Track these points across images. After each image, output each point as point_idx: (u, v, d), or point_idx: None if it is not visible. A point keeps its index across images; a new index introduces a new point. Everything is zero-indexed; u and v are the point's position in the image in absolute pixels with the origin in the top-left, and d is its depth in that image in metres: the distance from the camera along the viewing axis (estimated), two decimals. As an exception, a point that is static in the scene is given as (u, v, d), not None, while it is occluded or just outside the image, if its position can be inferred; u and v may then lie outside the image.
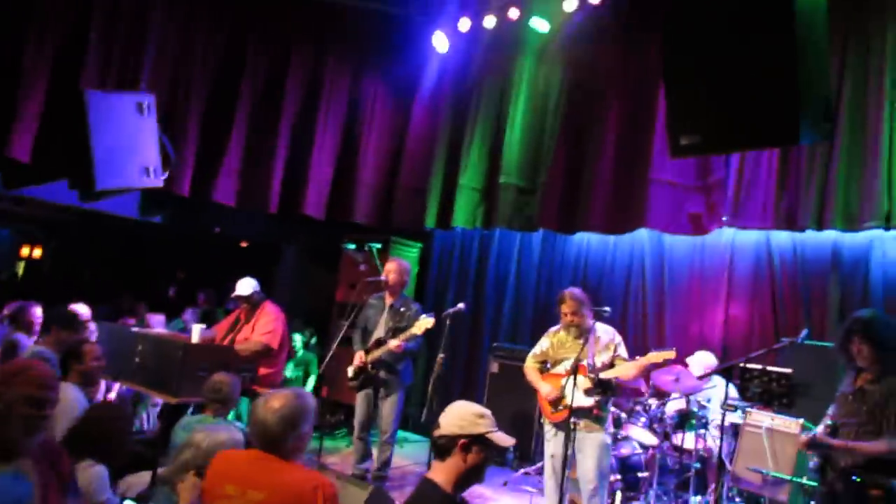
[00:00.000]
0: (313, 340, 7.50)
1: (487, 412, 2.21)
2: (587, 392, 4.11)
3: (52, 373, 2.30)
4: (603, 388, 4.12)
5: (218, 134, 6.30)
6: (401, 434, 6.10)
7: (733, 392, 4.54)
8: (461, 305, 4.90)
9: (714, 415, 4.66)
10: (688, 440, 4.66)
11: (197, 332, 4.83)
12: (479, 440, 2.15)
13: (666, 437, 4.86)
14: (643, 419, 4.98)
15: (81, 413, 3.14)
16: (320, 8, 6.75)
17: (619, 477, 4.84)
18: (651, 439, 4.95)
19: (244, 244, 9.92)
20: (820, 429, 3.44)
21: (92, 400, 3.67)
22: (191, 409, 4.47)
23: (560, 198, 6.08)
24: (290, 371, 7.17)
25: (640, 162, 5.59)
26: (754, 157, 5.20)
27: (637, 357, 4.23)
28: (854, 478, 3.09)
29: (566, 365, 4.22)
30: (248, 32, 6.44)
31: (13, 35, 4.90)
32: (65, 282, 11.20)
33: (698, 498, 4.65)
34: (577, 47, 6.16)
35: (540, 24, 6.16)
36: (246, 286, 5.27)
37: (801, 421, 4.00)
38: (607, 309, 4.25)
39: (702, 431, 4.61)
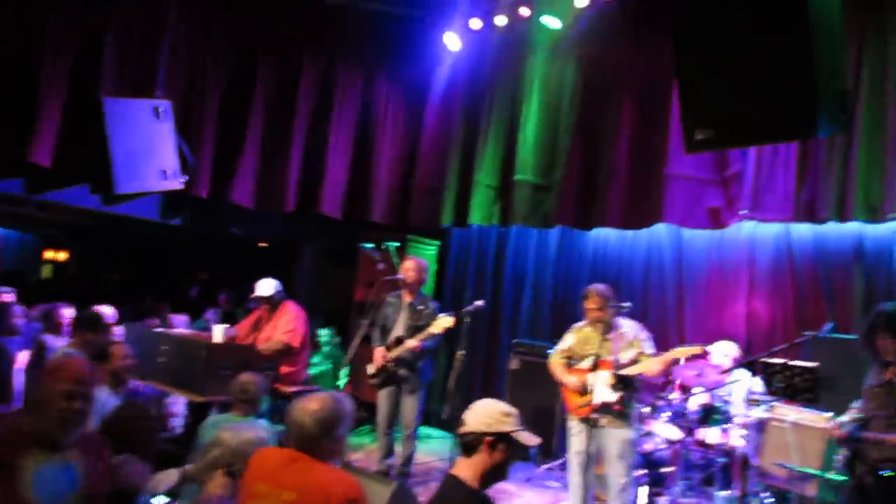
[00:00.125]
0: (337, 339, 7.56)
1: (514, 411, 2.23)
2: (611, 388, 4.11)
3: (87, 369, 2.36)
4: (624, 385, 4.11)
5: (233, 137, 6.37)
6: (423, 430, 6.13)
7: (757, 386, 4.51)
8: (480, 302, 4.91)
9: (737, 409, 4.63)
10: (712, 435, 4.64)
11: (219, 331, 4.89)
12: (505, 438, 2.17)
13: (689, 432, 4.83)
14: (667, 414, 4.96)
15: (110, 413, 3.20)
16: (330, 12, 6.79)
17: (644, 472, 4.83)
18: (675, 434, 4.93)
19: (263, 244, 10.01)
20: (847, 417, 3.41)
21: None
22: (215, 408, 4.53)
23: (576, 194, 6.07)
24: (318, 365, 7.20)
25: (656, 156, 5.57)
26: (773, 149, 5.15)
27: (662, 353, 4.21)
28: (883, 472, 3.06)
29: (590, 361, 4.21)
30: (261, 37, 6.49)
31: (32, 44, 4.98)
32: (90, 284, 11.37)
33: (724, 493, 4.62)
34: (589, 43, 6.13)
35: (551, 22, 6.14)
36: (266, 287, 5.31)
37: (830, 415, 3.96)
38: (627, 305, 4.24)
39: (726, 426, 4.57)
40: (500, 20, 6.38)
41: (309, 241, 8.71)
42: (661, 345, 5.11)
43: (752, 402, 4.20)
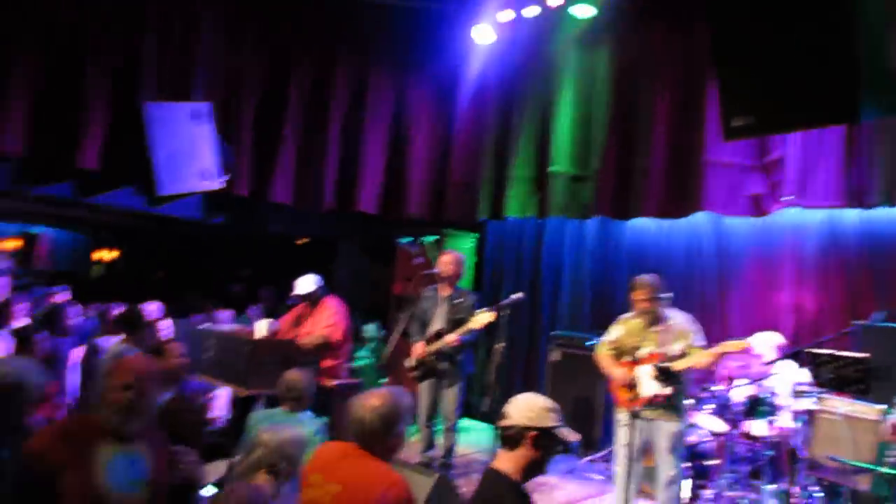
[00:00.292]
0: (382, 333, 7.63)
1: (556, 406, 2.24)
2: (655, 380, 4.06)
3: (143, 365, 2.47)
4: (665, 377, 4.05)
5: (271, 136, 6.50)
6: (464, 422, 6.16)
7: (804, 377, 4.40)
8: (519, 295, 4.90)
9: (782, 401, 4.52)
10: (758, 427, 4.54)
11: (263, 326, 5.00)
12: (548, 433, 2.18)
13: (735, 424, 4.74)
14: (711, 406, 4.87)
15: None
16: (361, 9, 6.84)
17: (688, 465, 4.76)
18: (720, 426, 4.85)
19: (302, 241, 10.17)
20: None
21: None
22: (261, 401, 4.64)
23: (613, 184, 6.00)
24: (362, 359, 7.29)
25: (695, 143, 5.47)
26: (817, 132, 5.00)
27: (713, 346, 4.13)
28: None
29: (641, 353, 4.16)
30: (295, 38, 6.59)
31: (76, 54, 5.16)
32: (137, 282, 11.74)
33: (772, 486, 4.53)
34: (622, 30, 6.06)
35: (582, 10, 6.06)
36: (306, 284, 5.37)
37: (883, 407, 3.83)
38: (668, 295, 4.18)
39: (772, 418, 4.47)
40: (531, 11, 6.33)
41: (347, 237, 8.82)
42: (705, 336, 5.03)
43: (798, 394, 4.09)
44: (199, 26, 5.86)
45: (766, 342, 4.84)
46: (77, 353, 4.86)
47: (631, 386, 4.13)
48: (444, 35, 7.04)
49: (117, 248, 13.78)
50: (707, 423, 4.87)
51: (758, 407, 4.49)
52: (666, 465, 4.07)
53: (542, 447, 2.18)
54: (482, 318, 4.81)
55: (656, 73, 5.78)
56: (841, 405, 3.99)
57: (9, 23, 4.85)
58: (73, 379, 4.62)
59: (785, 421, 4.44)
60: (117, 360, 2.52)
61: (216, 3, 6.00)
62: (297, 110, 6.64)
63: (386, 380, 7.11)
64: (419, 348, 5.15)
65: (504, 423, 2.21)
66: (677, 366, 4.03)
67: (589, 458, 5.75)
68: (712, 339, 4.28)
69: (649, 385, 4.08)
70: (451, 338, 4.92)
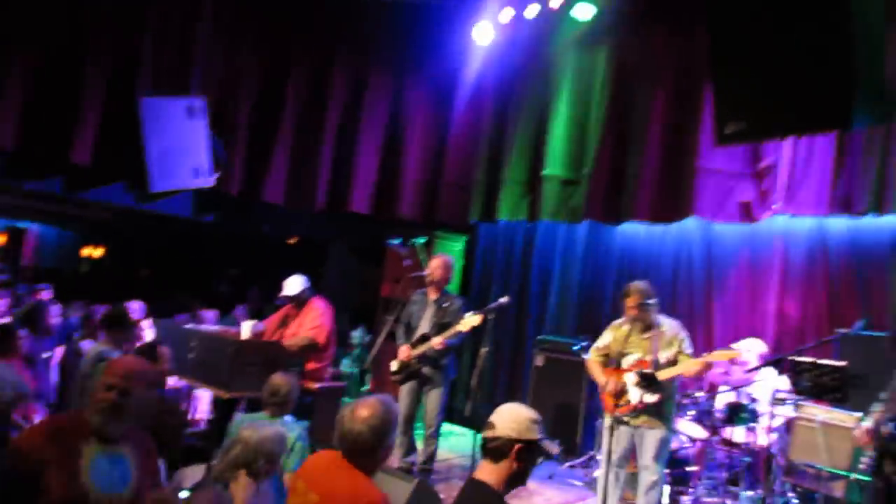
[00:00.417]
0: (367, 338, 7.62)
1: (539, 417, 2.23)
2: (637, 387, 4.06)
3: (133, 367, 2.46)
4: (648, 384, 4.05)
5: (265, 135, 6.47)
6: (446, 427, 6.14)
7: (784, 385, 4.41)
8: (505, 299, 4.89)
9: (763, 408, 4.54)
10: (738, 434, 4.55)
11: (247, 327, 4.97)
12: (532, 446, 2.18)
13: (714, 431, 4.76)
14: (692, 412, 4.88)
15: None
16: (361, 8, 6.82)
17: (667, 471, 4.77)
18: (700, 433, 4.86)
19: (292, 241, 10.14)
20: (870, 422, 3.32)
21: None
22: (242, 405, 4.61)
23: (605, 188, 5.99)
24: (346, 366, 7.29)
25: (688, 149, 5.47)
26: (808, 140, 5.01)
27: (704, 354, 4.13)
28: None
29: (630, 359, 4.16)
30: (293, 38, 6.57)
31: (73, 49, 5.13)
32: (122, 280, 11.69)
33: (750, 493, 4.54)
34: (620, 33, 6.05)
35: (582, 12, 6.06)
36: (293, 286, 5.34)
37: (859, 415, 3.85)
38: (651, 301, 4.17)
39: (752, 425, 4.49)
40: (530, 11, 6.32)
41: (338, 238, 8.81)
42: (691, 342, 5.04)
43: (778, 401, 4.10)
44: (196, 25, 5.83)
45: (750, 349, 4.85)
46: (57, 353, 4.83)
47: (618, 392, 4.12)
48: (444, 35, 7.02)
49: (104, 245, 13.72)
50: (687, 430, 4.88)
51: (738, 414, 4.50)
52: (648, 472, 4.07)
53: (526, 459, 2.17)
54: (470, 320, 4.80)
55: (653, 77, 5.77)
56: (819, 413, 4.01)
57: (5, 18, 4.82)
58: (51, 379, 4.59)
59: (764, 428, 4.45)
60: (111, 362, 2.54)
61: (215, 1, 5.98)
62: (293, 110, 6.62)
63: (368, 384, 7.11)
64: (404, 352, 5.14)
65: (489, 433, 2.18)
66: (662, 374, 4.03)
67: (569, 463, 5.75)
68: (698, 345, 4.30)
69: (635, 392, 4.08)
70: (437, 341, 4.91)
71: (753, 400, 4.58)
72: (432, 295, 5.25)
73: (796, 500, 4.28)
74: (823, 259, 5.41)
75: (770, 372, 4.63)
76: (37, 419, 3.87)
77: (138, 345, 4.00)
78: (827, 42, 2.54)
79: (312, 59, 6.72)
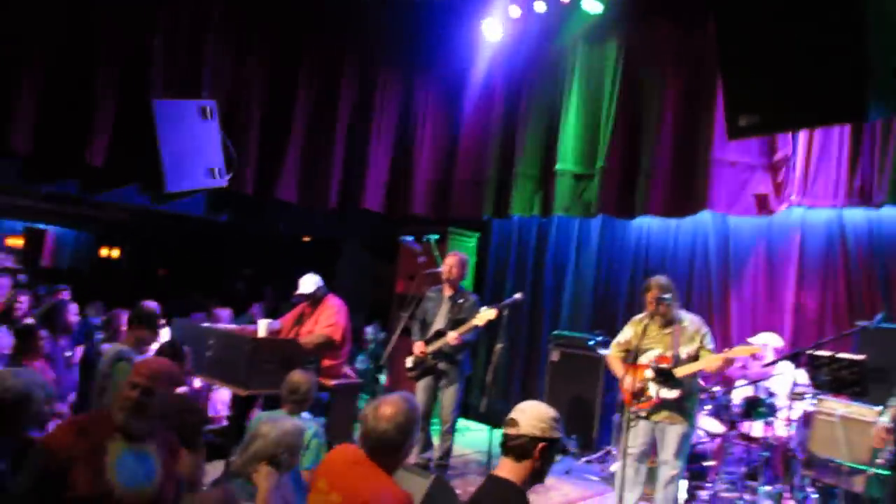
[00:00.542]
0: (381, 335, 7.65)
1: (559, 416, 2.23)
2: (653, 382, 4.05)
3: (158, 367, 2.52)
4: (664, 379, 4.03)
5: (278, 134, 6.49)
6: (461, 423, 6.16)
7: (803, 379, 4.37)
8: (519, 295, 4.91)
9: (782, 402, 4.50)
10: (756, 428, 4.52)
11: (263, 326, 5.01)
12: (555, 444, 2.19)
13: (733, 425, 4.72)
14: (708, 407, 4.85)
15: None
16: (371, 6, 6.82)
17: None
18: (717, 428, 4.83)
19: (306, 239, 10.19)
20: (887, 417, 3.28)
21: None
22: (260, 401, 4.65)
23: (618, 182, 5.96)
24: (361, 363, 7.33)
25: (701, 141, 5.43)
26: (824, 131, 4.96)
27: (725, 350, 4.11)
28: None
29: (650, 355, 4.14)
30: (304, 36, 6.58)
31: (86, 52, 5.18)
32: (140, 280, 11.80)
33: (768, 488, 4.51)
34: (630, 26, 6.01)
35: (592, 5, 6.03)
36: (308, 284, 5.39)
37: (879, 409, 3.81)
38: (668, 296, 4.16)
39: (770, 420, 4.45)
40: (540, 6, 6.30)
41: (351, 235, 8.83)
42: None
43: (796, 396, 4.06)
44: (207, 26, 5.87)
45: (766, 344, 4.82)
46: (76, 353, 4.89)
47: (639, 388, 4.10)
48: (453, 32, 7.02)
49: (120, 246, 13.85)
50: (704, 424, 4.85)
51: (755, 408, 4.47)
52: (668, 466, 4.06)
53: (548, 458, 2.18)
54: (485, 314, 4.82)
55: (665, 70, 5.74)
56: (839, 407, 3.97)
57: (19, 20, 4.88)
58: (71, 378, 4.64)
59: (782, 422, 4.42)
60: (141, 362, 2.61)
61: (225, 2, 6.01)
62: (304, 109, 6.64)
63: (385, 380, 7.13)
64: (418, 348, 5.16)
65: (513, 431, 2.17)
66: (682, 370, 4.00)
67: (585, 458, 5.74)
68: (715, 339, 4.26)
69: (652, 387, 4.06)
70: (453, 336, 4.93)
71: (771, 394, 4.54)
72: (447, 291, 5.26)
73: (816, 495, 4.25)
74: (842, 251, 5.35)
75: (788, 366, 4.59)
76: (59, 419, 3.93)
77: (160, 344, 4.04)
78: (840, 32, 2.50)
79: (322, 58, 6.73)
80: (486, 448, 4.41)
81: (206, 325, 5.41)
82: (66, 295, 5.79)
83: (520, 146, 6.69)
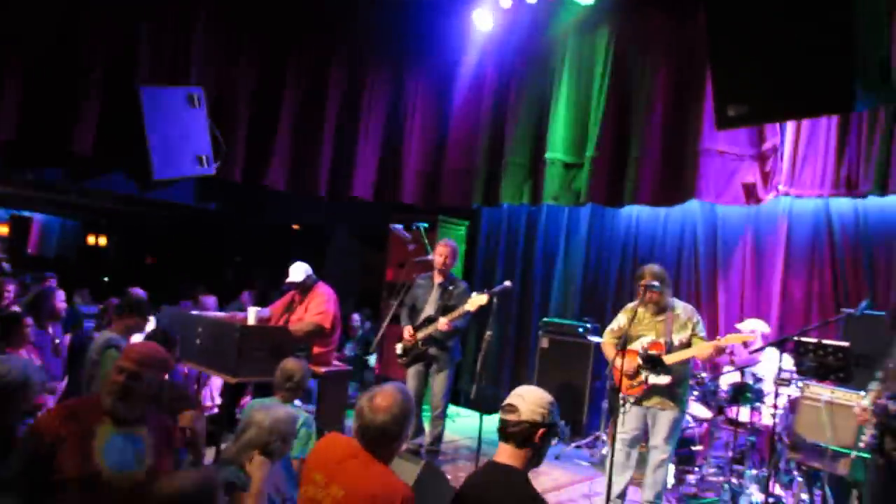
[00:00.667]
0: (368, 324, 7.67)
1: (554, 400, 2.25)
2: (638, 368, 4.09)
3: (146, 351, 2.52)
4: (652, 365, 4.08)
5: (266, 122, 6.45)
6: (452, 409, 6.19)
7: (788, 365, 4.44)
8: (508, 283, 4.93)
9: (768, 387, 4.57)
10: (743, 414, 4.59)
11: (253, 313, 5.00)
12: (554, 429, 2.21)
13: (720, 410, 4.79)
14: (696, 393, 4.91)
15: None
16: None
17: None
18: (705, 413, 4.90)
19: (296, 227, 10.15)
20: (867, 401, 3.34)
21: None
22: (250, 388, 4.64)
23: (608, 171, 5.98)
24: (349, 350, 7.35)
25: (690, 131, 5.46)
26: (811, 121, 5.00)
27: (718, 337, 4.16)
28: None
29: (643, 341, 4.19)
30: (293, 23, 6.52)
31: (72, 38, 5.10)
32: (128, 268, 11.72)
33: (754, 472, 4.59)
34: (621, 17, 6.01)
35: (583, -5, 6.02)
36: (298, 272, 5.38)
37: (864, 394, 3.88)
38: (656, 284, 4.19)
39: (757, 405, 4.52)
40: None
41: (341, 223, 8.81)
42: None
43: (782, 381, 4.13)
44: (196, 13, 5.80)
45: (753, 330, 4.87)
46: (65, 340, 4.86)
47: (631, 374, 4.15)
48: (444, 21, 6.99)
49: (107, 234, 13.73)
50: (692, 410, 4.91)
51: (742, 394, 4.53)
52: (657, 451, 4.11)
53: (547, 443, 2.20)
54: (476, 300, 4.84)
55: (655, 60, 5.74)
56: (824, 392, 4.03)
57: (4, 6, 4.80)
58: (57, 366, 4.62)
59: (768, 408, 4.48)
60: (129, 347, 2.64)
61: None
62: (293, 97, 6.59)
63: (374, 366, 7.16)
64: (408, 332, 5.18)
65: (513, 417, 2.17)
66: (672, 357, 4.05)
67: (575, 444, 5.80)
68: (704, 326, 4.31)
69: (642, 373, 4.11)
70: (443, 322, 4.95)
71: (758, 380, 4.61)
72: (438, 278, 5.28)
73: (801, 479, 4.32)
74: (828, 240, 5.42)
75: (774, 352, 4.65)
76: (48, 405, 3.91)
77: (148, 331, 4.02)
78: (828, 24, 2.52)
79: (312, 45, 6.68)
80: (476, 434, 4.44)
81: (194, 312, 5.38)
82: (52, 283, 5.74)
83: (510, 135, 6.69)
